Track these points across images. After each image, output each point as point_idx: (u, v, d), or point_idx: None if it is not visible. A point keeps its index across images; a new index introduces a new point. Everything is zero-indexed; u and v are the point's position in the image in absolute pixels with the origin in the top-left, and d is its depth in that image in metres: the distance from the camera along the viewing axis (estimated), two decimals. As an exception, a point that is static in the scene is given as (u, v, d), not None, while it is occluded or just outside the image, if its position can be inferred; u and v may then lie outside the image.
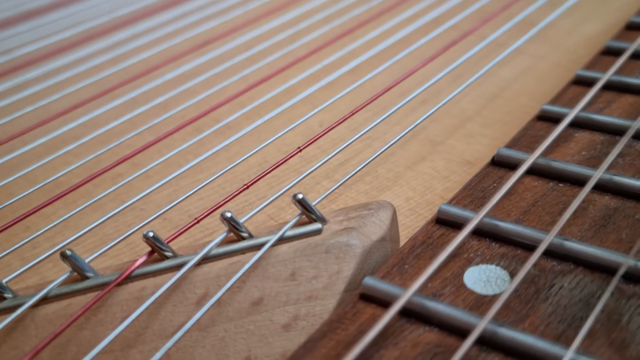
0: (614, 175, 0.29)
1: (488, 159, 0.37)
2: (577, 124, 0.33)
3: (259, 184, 0.35)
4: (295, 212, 0.35)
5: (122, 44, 0.52)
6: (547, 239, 0.25)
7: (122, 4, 0.60)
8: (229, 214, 0.27)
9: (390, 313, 0.22)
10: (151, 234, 0.27)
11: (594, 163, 0.30)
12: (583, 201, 0.28)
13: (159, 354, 0.24)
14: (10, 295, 0.27)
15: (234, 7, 0.58)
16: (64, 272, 0.32)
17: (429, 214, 0.34)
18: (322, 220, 0.28)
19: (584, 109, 0.33)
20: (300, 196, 0.28)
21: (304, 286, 0.26)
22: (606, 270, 0.24)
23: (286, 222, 0.28)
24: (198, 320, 0.25)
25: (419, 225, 0.33)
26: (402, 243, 0.31)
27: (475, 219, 0.26)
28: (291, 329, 0.26)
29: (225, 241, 0.28)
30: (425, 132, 0.40)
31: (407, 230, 0.33)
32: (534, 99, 0.43)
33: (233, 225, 0.27)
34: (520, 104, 0.43)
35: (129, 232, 0.30)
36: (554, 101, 0.35)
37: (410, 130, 0.36)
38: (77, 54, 0.51)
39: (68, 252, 0.26)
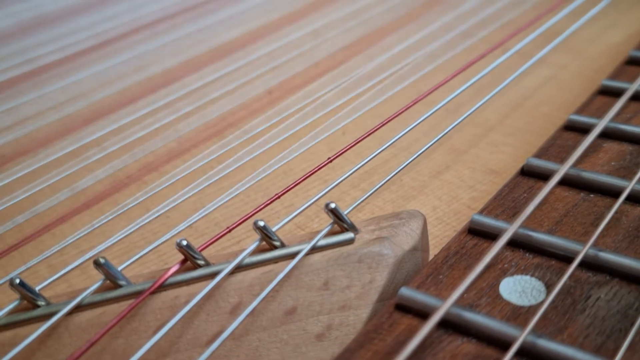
0: (646, 186, 0.28)
1: (513, 168, 0.37)
2: (605, 134, 0.33)
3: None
4: (321, 220, 0.35)
5: (145, 52, 0.53)
6: (584, 250, 0.25)
7: (145, 12, 0.60)
8: (262, 223, 0.27)
9: (431, 324, 0.22)
10: (184, 243, 0.27)
11: (624, 173, 0.30)
12: (616, 212, 0.28)
13: (194, 363, 0.24)
14: (43, 303, 0.27)
15: (258, 16, 0.58)
16: (91, 279, 0.33)
17: (457, 224, 0.34)
18: (354, 229, 0.28)
19: (611, 119, 0.33)
20: (332, 205, 0.28)
21: (337, 296, 0.26)
22: (643, 281, 0.24)
23: (316, 231, 0.28)
24: (232, 329, 0.25)
25: (447, 234, 0.33)
26: (430, 252, 0.31)
27: (511, 230, 0.26)
28: (325, 338, 0.26)
29: (257, 250, 0.28)
30: (449, 142, 0.40)
31: (435, 240, 0.33)
32: (557, 108, 0.43)
33: (266, 234, 0.27)
34: (543, 113, 0.43)
35: (160, 241, 0.30)
36: (580, 111, 0.35)
37: (434, 139, 0.36)
38: (100, 62, 0.51)
39: (101, 260, 0.26)
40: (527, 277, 0.25)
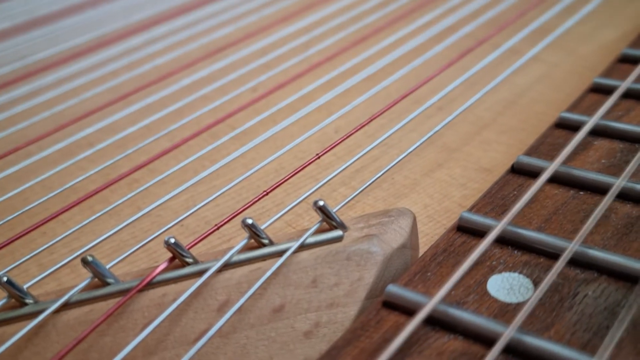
0: (636, 183, 0.28)
1: (505, 166, 0.37)
2: (596, 132, 0.33)
3: (275, 190, 0.35)
4: (312, 218, 0.35)
5: (137, 49, 0.53)
6: (572, 248, 0.25)
7: (137, 10, 0.60)
8: (250, 221, 0.27)
9: (417, 321, 0.22)
10: (172, 240, 0.27)
11: (614, 171, 0.30)
12: (604, 209, 0.28)
13: (181, 361, 0.24)
14: (31, 301, 0.27)
15: (248, 14, 0.58)
16: (81, 277, 0.33)
17: (447, 222, 0.34)
18: (343, 227, 0.28)
19: (602, 117, 0.33)
20: (321, 203, 0.28)
21: (325, 293, 0.26)
22: (630, 278, 0.24)
23: (305, 229, 0.28)
24: (219, 327, 0.25)
25: (438, 232, 0.33)
26: (421, 250, 0.31)
27: (499, 227, 0.26)
28: (312, 336, 0.26)
29: (246, 248, 0.28)
30: (441, 139, 0.40)
31: (425, 238, 0.33)
32: (550, 106, 0.43)
33: (254, 232, 0.27)
34: (536, 111, 0.43)
35: (149, 239, 0.30)
36: (572, 109, 0.35)
37: (425, 136, 0.36)
38: (92, 60, 0.51)
39: (89, 258, 0.26)
40: (515, 275, 0.25)
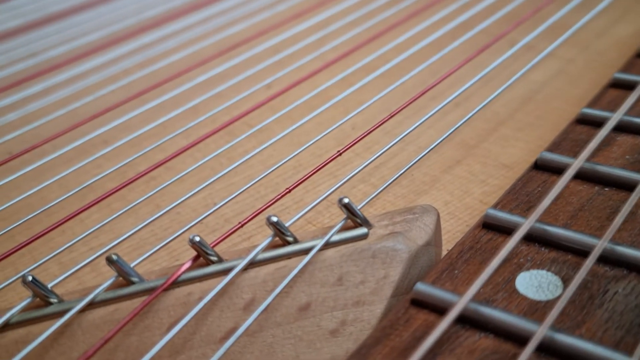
0: (662, 179, 0.28)
1: (524, 162, 0.37)
2: (618, 128, 0.33)
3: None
4: (332, 215, 0.35)
5: (150, 47, 0.52)
6: (601, 245, 0.25)
7: (149, 7, 0.60)
8: (275, 219, 0.27)
9: (449, 319, 0.22)
10: (197, 239, 0.26)
11: (639, 167, 0.30)
12: (632, 206, 0.27)
13: (209, 360, 0.23)
14: (56, 300, 0.26)
15: (261, 10, 0.58)
16: (102, 276, 0.33)
17: (469, 218, 0.34)
18: (368, 224, 0.28)
19: (625, 112, 0.33)
20: (346, 200, 0.28)
21: (351, 291, 0.26)
22: (661, 275, 0.24)
23: (329, 227, 0.28)
24: (248, 326, 0.25)
25: (460, 229, 0.33)
26: (444, 247, 0.31)
27: (527, 224, 0.26)
28: (339, 334, 0.26)
29: (270, 246, 0.27)
30: (458, 136, 0.40)
31: (447, 235, 0.33)
32: (566, 101, 0.43)
33: (279, 229, 0.27)
34: (553, 107, 0.42)
35: (172, 238, 0.30)
36: (592, 104, 0.35)
37: (446, 133, 0.35)
38: (105, 57, 0.51)
39: (114, 257, 0.26)
40: (544, 272, 0.25)
